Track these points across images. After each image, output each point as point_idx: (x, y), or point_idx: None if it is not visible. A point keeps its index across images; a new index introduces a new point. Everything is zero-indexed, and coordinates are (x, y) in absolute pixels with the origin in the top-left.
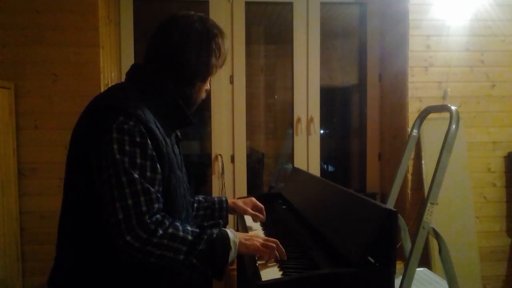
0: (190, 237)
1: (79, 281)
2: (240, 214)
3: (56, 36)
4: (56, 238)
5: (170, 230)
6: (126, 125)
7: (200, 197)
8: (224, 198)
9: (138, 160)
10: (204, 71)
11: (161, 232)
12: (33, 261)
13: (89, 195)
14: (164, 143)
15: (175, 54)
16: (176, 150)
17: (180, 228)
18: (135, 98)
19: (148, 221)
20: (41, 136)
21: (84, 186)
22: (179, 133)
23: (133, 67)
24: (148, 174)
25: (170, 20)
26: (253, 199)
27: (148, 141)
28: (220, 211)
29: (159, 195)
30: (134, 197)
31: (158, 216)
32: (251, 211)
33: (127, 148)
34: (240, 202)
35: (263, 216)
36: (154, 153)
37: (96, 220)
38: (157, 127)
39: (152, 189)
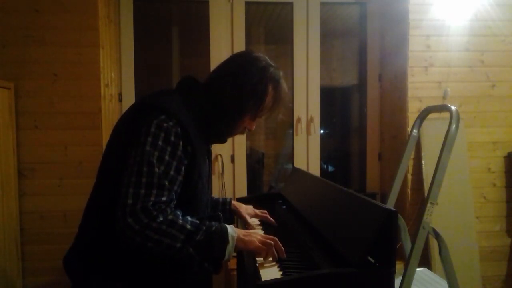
0: (189, 226)
1: (90, 264)
2: (238, 217)
3: (56, 36)
4: (81, 218)
5: (170, 217)
6: (166, 123)
7: None
8: (228, 200)
9: (166, 157)
10: (237, 112)
11: (161, 218)
12: (33, 261)
13: (113, 187)
14: (198, 151)
15: (222, 84)
16: (206, 162)
17: (180, 216)
18: (181, 105)
19: (151, 208)
20: (41, 136)
21: (118, 174)
22: (210, 147)
23: (185, 79)
24: (172, 173)
25: (242, 54)
26: (255, 211)
27: (181, 143)
28: (222, 212)
29: (173, 194)
30: (147, 188)
31: (162, 205)
32: (249, 221)
33: (160, 143)
34: (242, 208)
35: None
36: (183, 156)
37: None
38: (195, 135)
39: (168, 186)
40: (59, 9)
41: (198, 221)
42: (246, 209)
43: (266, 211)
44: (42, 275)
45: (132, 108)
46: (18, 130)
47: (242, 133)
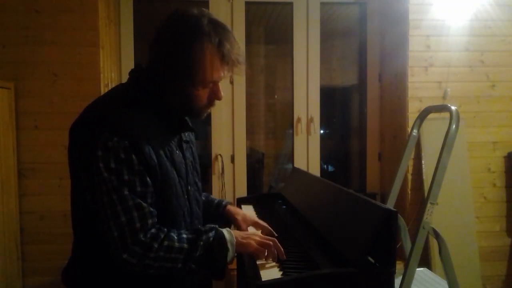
0: (186, 246)
1: (89, 276)
2: (234, 225)
3: (56, 36)
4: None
5: (166, 243)
6: (110, 141)
7: (202, 196)
8: (224, 203)
9: (126, 177)
10: (184, 76)
11: (156, 246)
12: (33, 261)
13: (82, 206)
14: (154, 156)
15: (162, 55)
16: (178, 156)
17: (176, 238)
18: (126, 106)
19: (143, 238)
20: (41, 136)
21: (77, 197)
22: (186, 135)
23: (134, 67)
24: (139, 189)
25: (169, 18)
26: (256, 220)
27: (133, 156)
28: (213, 215)
29: (152, 209)
30: (127, 214)
31: (152, 230)
32: (246, 230)
33: (112, 165)
34: (239, 216)
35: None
36: (142, 167)
37: (92, 228)
38: (147, 138)
39: (144, 204)
40: (59, 9)
41: (195, 235)
42: (244, 216)
43: (265, 224)
44: (42, 275)
45: (75, 126)
46: (18, 130)
47: (211, 104)
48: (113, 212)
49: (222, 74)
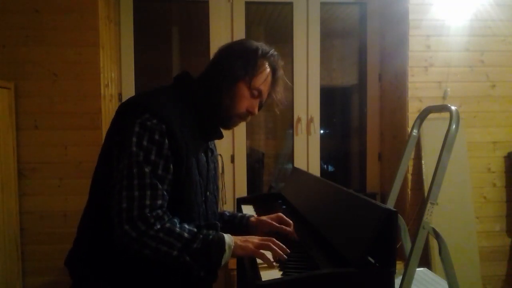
0: (186, 235)
1: (94, 264)
2: (265, 230)
3: (56, 36)
4: (79, 222)
5: (167, 225)
6: (149, 122)
7: (226, 212)
8: (247, 215)
9: (153, 157)
10: (229, 84)
11: (158, 226)
12: (33, 261)
13: (108, 184)
14: (185, 147)
15: (230, 54)
16: (202, 159)
17: (178, 225)
18: (170, 101)
19: (148, 214)
20: (41, 136)
21: (105, 174)
22: (212, 145)
23: (182, 73)
24: (160, 172)
25: (239, 40)
26: (280, 214)
27: (166, 141)
28: (239, 226)
29: (165, 193)
30: (140, 190)
31: (159, 211)
32: (277, 224)
33: (144, 143)
34: (264, 217)
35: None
36: (170, 153)
37: (107, 210)
38: (183, 131)
39: (160, 186)
40: (59, 9)
41: (195, 229)
42: (270, 218)
43: (291, 223)
44: (42, 275)
45: (117, 110)
46: (18, 130)
47: (244, 119)
48: (129, 184)
49: (267, 92)
